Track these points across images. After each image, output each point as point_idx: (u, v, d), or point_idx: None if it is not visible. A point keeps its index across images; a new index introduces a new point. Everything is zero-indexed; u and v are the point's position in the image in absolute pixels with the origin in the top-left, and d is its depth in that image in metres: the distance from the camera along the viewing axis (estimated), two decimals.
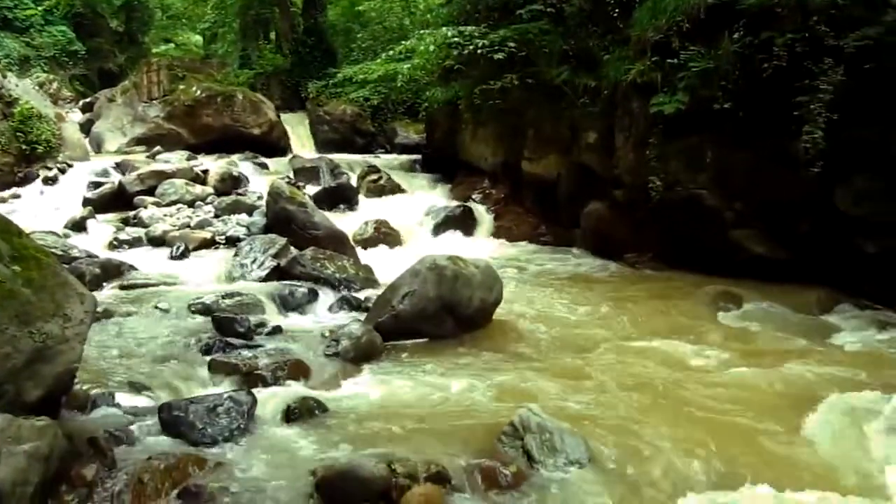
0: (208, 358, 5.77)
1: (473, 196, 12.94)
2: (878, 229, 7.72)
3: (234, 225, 10.83)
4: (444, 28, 12.43)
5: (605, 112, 10.22)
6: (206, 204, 12.24)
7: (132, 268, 8.55)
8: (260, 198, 12.08)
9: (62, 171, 13.85)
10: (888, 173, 7.53)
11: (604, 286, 8.70)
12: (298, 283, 7.84)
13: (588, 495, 4.10)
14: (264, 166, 15.83)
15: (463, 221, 12.04)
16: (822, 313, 7.71)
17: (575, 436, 4.47)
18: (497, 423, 4.64)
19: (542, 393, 5.31)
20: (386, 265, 8.63)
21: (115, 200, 12.31)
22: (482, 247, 10.89)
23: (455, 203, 12.73)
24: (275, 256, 8.54)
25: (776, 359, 6.10)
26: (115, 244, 10.05)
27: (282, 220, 9.71)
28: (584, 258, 10.27)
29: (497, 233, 11.86)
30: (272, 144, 18.33)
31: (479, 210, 12.47)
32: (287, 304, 7.36)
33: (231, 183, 13.43)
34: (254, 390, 5.08)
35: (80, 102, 22.28)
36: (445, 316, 6.59)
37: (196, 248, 9.87)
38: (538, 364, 5.97)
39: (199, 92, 18.52)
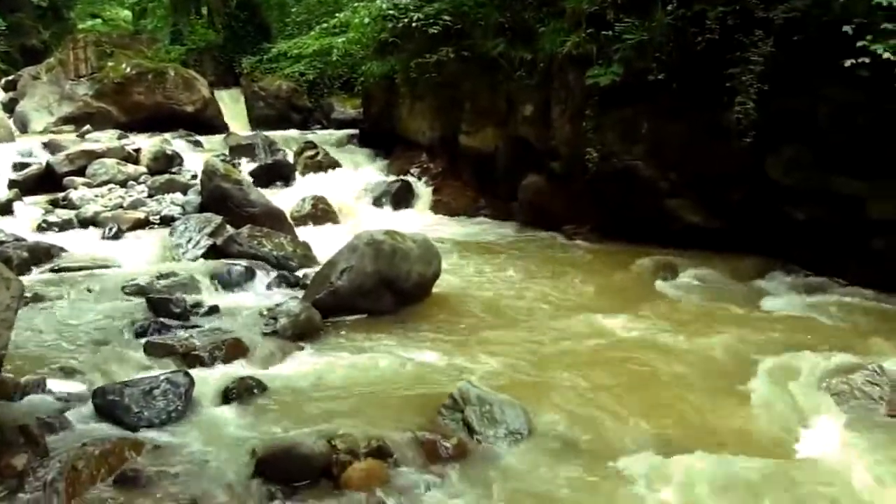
0: (143, 340, 5.65)
1: (411, 170, 12.87)
2: (806, 197, 7.91)
3: (169, 204, 10.60)
4: (378, 1, 12.29)
5: (541, 84, 10.25)
6: (139, 183, 11.95)
7: (63, 250, 8.31)
8: (195, 176, 11.84)
9: None
10: (816, 143, 7.71)
11: (542, 258, 8.76)
12: (235, 262, 7.71)
13: (529, 465, 4.15)
14: (199, 144, 15.52)
15: (401, 196, 11.99)
16: (755, 280, 7.91)
17: (514, 406, 4.52)
18: (437, 397, 4.67)
19: (481, 365, 5.35)
20: (324, 242, 8.55)
21: (43, 182, 11.91)
22: (421, 221, 10.87)
23: (393, 178, 12.66)
24: (211, 235, 8.40)
25: (711, 325, 6.25)
26: (44, 226, 9.73)
27: (217, 198, 9.55)
28: (523, 231, 10.32)
29: (436, 207, 11.85)
30: (206, 122, 17.97)
31: (418, 184, 12.42)
32: (224, 284, 7.25)
33: (164, 162, 13.12)
34: (191, 371, 5.00)
35: (3, 80, 21.48)
36: (384, 291, 6.57)
37: (129, 229, 9.63)
38: (477, 336, 6.01)
39: (129, 69, 18.03)
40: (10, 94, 19.27)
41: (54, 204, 10.88)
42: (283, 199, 10.91)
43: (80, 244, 8.81)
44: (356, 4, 13.21)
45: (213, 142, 15.88)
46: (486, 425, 4.38)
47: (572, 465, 4.18)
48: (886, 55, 6.48)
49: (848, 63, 6.69)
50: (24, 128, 17.19)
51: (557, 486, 3.97)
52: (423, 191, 12.28)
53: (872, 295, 7.42)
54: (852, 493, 3.94)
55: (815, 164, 7.77)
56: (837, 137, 7.53)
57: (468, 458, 4.20)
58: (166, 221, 9.75)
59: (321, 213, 10.85)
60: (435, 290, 7.03)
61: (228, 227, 8.65)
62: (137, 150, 13.35)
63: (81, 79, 18.08)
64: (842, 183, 7.65)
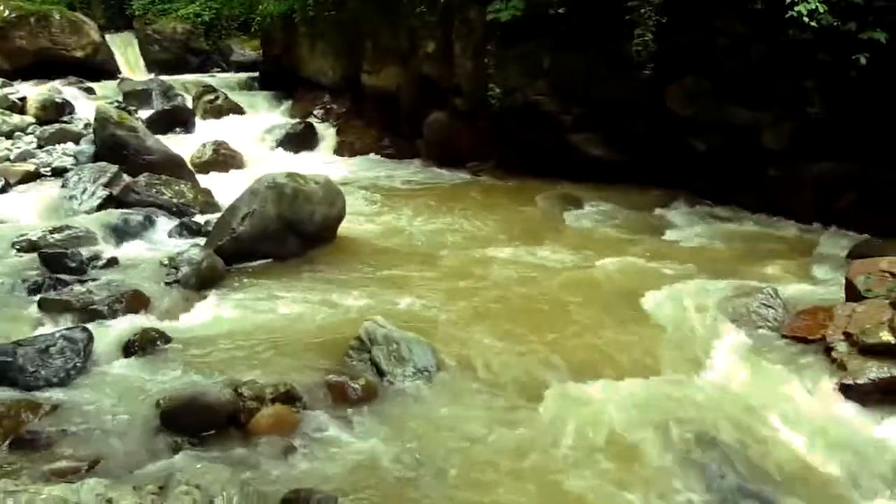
0: (37, 297, 5.42)
1: (314, 112, 12.66)
2: (706, 128, 8.09)
3: (61, 155, 10.11)
4: None
5: (442, 21, 10.13)
6: (27, 134, 11.35)
7: None
8: (87, 125, 11.32)
9: None
10: (713, 75, 7.85)
11: (447, 195, 8.75)
12: (134, 212, 7.45)
13: (438, 401, 4.19)
14: (91, 91, 14.81)
15: (305, 138, 11.78)
16: (657, 211, 8.10)
17: (422, 344, 4.53)
18: (344, 339, 4.64)
19: (388, 304, 5.34)
20: (226, 188, 8.33)
21: None
22: (325, 163, 10.72)
23: (296, 120, 12.43)
24: (106, 185, 8.08)
25: (616, 255, 6.39)
26: None
27: (112, 146, 9.16)
28: (428, 169, 10.29)
29: (340, 148, 11.70)
30: (98, 67, 17.15)
31: (321, 126, 12.23)
32: (122, 235, 7.00)
33: (54, 110, 12.49)
34: (90, 326, 4.83)
35: None
36: (288, 234, 6.46)
37: (18, 183, 9.16)
38: (384, 276, 5.99)
39: (7, 12, 17.01)
40: None
41: None
42: (183, 145, 10.55)
43: None
44: None
45: (106, 88, 15.20)
46: (393, 364, 4.38)
47: (482, 398, 4.23)
48: None
49: None
50: None
51: (467, 421, 4.01)
52: (327, 132, 12.09)
53: (768, 221, 7.73)
54: (751, 409, 4.11)
55: (712, 95, 7.93)
56: (733, 69, 7.68)
57: (377, 397, 4.20)
58: (58, 173, 9.31)
59: (223, 158, 10.56)
60: (340, 231, 6.94)
61: (125, 176, 8.34)
62: (23, 99, 12.66)
63: None
64: (738, 114, 7.84)
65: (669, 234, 7.29)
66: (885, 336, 4.43)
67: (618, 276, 5.90)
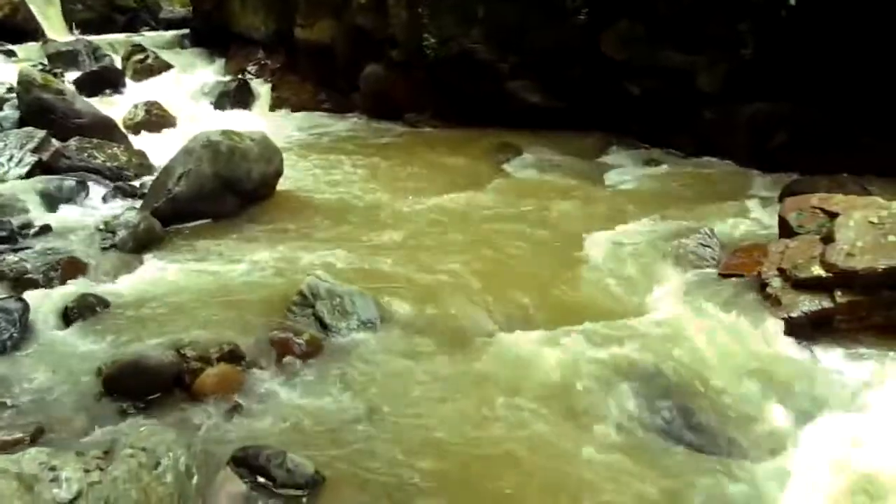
0: None
1: (248, 69, 12.39)
2: (641, 72, 8.14)
3: None
4: None
5: None
6: None
7: None
8: (10, 89, 10.90)
9: None
10: (647, 19, 7.88)
11: (386, 148, 8.70)
12: (65, 177, 7.25)
13: (384, 353, 4.20)
14: (11, 54, 14.26)
15: (239, 96, 11.53)
16: (596, 156, 8.18)
17: (365, 297, 4.53)
18: (287, 295, 4.62)
19: (329, 259, 5.30)
20: (161, 149, 8.13)
21: None
22: (262, 120, 10.51)
23: (230, 77, 12.15)
24: (35, 151, 7.82)
25: (556, 201, 6.44)
26: None
27: (38, 111, 8.85)
28: (365, 122, 10.21)
29: (276, 104, 11.49)
30: (18, 28, 16.48)
31: (256, 83, 11.99)
32: (54, 201, 6.79)
33: None
34: (25, 295, 4.70)
35: None
36: (226, 193, 6.36)
37: None
38: (324, 230, 5.95)
39: None
40: None
41: None
42: (114, 107, 10.27)
43: None
44: None
45: (28, 51, 14.63)
46: (337, 318, 4.38)
47: (427, 349, 4.26)
48: None
49: None
50: None
51: (413, 372, 4.04)
52: (262, 89, 11.86)
53: (704, 163, 7.88)
54: (689, 347, 4.20)
55: (646, 39, 7.98)
56: (666, 12, 7.72)
57: (322, 352, 4.20)
58: None
59: (156, 119, 10.29)
60: (279, 188, 6.86)
61: (54, 141, 8.08)
62: None
63: None
64: (672, 57, 7.91)
65: (607, 179, 7.38)
66: (817, 270, 4.56)
67: (558, 222, 5.96)
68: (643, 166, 7.82)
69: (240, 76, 12.13)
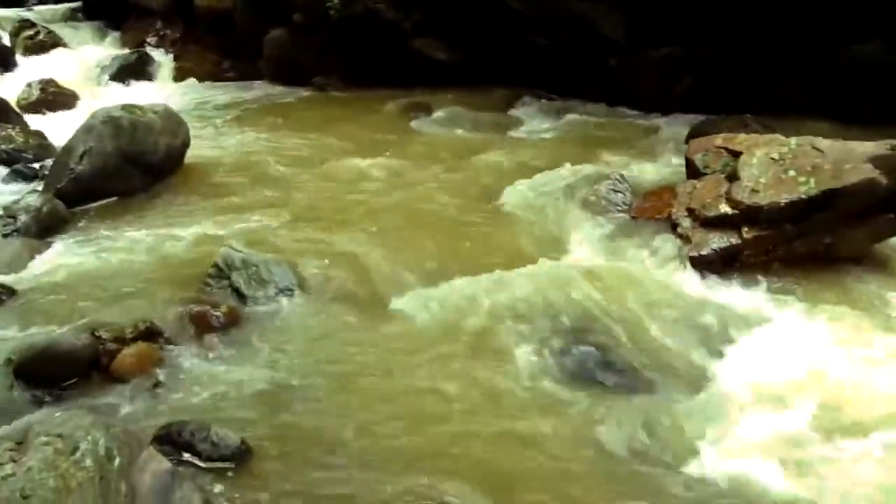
0: None
1: (148, 40, 11.96)
2: (545, 23, 8.16)
3: None
4: None
5: None
6: None
7: None
8: None
9: None
10: None
11: (295, 114, 8.54)
12: None
13: (304, 319, 4.17)
14: None
15: (140, 69, 11.11)
16: (506, 109, 8.22)
17: (281, 264, 4.48)
18: (202, 269, 4.53)
19: (243, 229, 5.21)
20: (60, 128, 7.81)
21: None
22: (165, 92, 10.18)
23: (128, 50, 11.70)
24: None
25: (467, 156, 6.48)
26: None
27: None
28: (272, 88, 9.97)
29: (178, 75, 11.10)
30: None
31: (156, 54, 11.57)
32: None
33: None
34: None
35: None
36: (131, 169, 6.15)
37: None
38: (236, 200, 5.83)
39: None
40: None
41: None
42: (6, 87, 9.83)
43: None
44: None
45: None
46: (254, 287, 4.32)
47: (347, 312, 4.24)
48: None
49: None
50: None
51: (334, 336, 4.03)
52: (163, 60, 11.44)
53: (613, 111, 8.03)
54: (605, 290, 4.28)
55: None
56: None
57: (241, 323, 4.14)
58: None
59: (53, 97, 9.87)
60: (187, 161, 6.66)
61: None
62: None
63: None
64: (573, 6, 7.95)
65: (519, 131, 7.45)
66: (724, 208, 4.71)
67: (471, 177, 6.00)
68: (553, 117, 7.90)
69: (139, 49, 11.70)
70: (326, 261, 4.66)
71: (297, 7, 9.65)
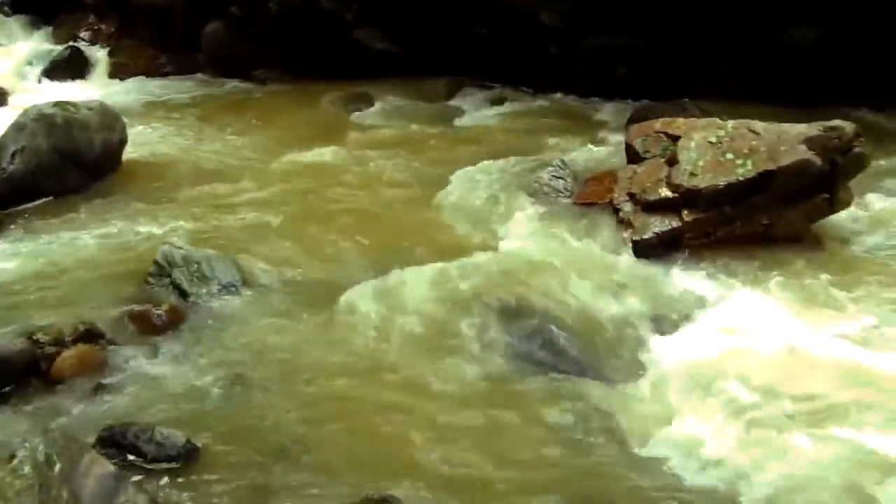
0: None
1: (81, 35, 11.61)
2: (486, 13, 8.17)
3: None
4: None
5: None
6: None
7: None
8: None
9: None
10: None
11: (235, 107, 8.38)
12: None
13: (248, 315, 4.13)
14: None
15: (74, 65, 10.80)
16: (448, 99, 8.21)
17: (224, 260, 4.43)
18: (142, 267, 4.46)
19: (184, 225, 5.13)
20: None
21: None
22: (101, 88, 9.94)
23: (61, 46, 11.39)
24: None
25: (408, 147, 6.47)
26: None
27: None
28: (211, 82, 9.73)
29: (115, 71, 10.80)
30: None
31: (91, 50, 11.28)
32: None
33: None
34: None
35: None
36: (68, 167, 5.99)
37: None
38: (177, 197, 5.71)
39: None
40: None
41: None
42: None
43: None
44: None
45: None
46: (196, 284, 4.26)
47: (291, 307, 4.22)
48: None
49: None
50: None
51: (278, 331, 4.00)
52: (98, 55, 11.15)
53: (554, 99, 8.08)
54: (551, 274, 4.35)
55: None
56: None
57: (185, 320, 4.09)
58: None
59: None
60: (125, 157, 6.51)
61: None
62: None
63: None
64: None
65: (461, 121, 7.46)
66: (664, 192, 4.78)
67: (413, 167, 5.99)
68: (494, 106, 7.91)
69: (72, 43, 11.41)
70: (270, 256, 4.63)
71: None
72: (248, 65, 9.63)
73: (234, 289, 4.29)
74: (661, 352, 3.96)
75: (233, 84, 9.46)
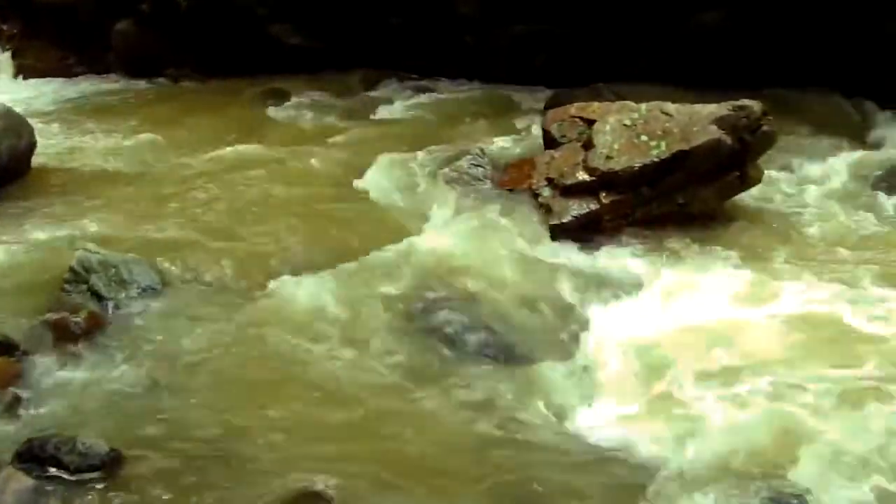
0: None
1: None
2: (403, 3, 8.16)
3: None
4: None
5: None
6: None
7: None
8: None
9: None
10: None
11: (147, 107, 8.19)
12: None
13: (168, 318, 4.05)
14: None
15: None
16: (364, 92, 8.18)
17: (142, 263, 4.33)
18: (57, 275, 4.30)
19: (100, 230, 4.98)
20: None
21: None
22: (6, 91, 9.62)
23: None
24: None
25: (326, 141, 6.47)
26: None
27: None
28: (122, 82, 9.48)
29: (19, 73, 10.50)
30: None
31: None
32: None
33: None
34: None
35: None
36: None
37: None
38: (91, 201, 5.54)
39: None
40: None
41: None
42: None
43: None
44: None
45: None
46: (115, 289, 4.16)
47: (213, 307, 4.16)
48: None
49: None
50: None
51: (200, 333, 3.92)
52: (1, 58, 10.84)
53: (471, 88, 8.13)
54: (473, 263, 4.39)
55: None
56: None
57: (104, 327, 3.97)
58: None
59: None
60: (34, 163, 6.30)
61: None
62: None
63: None
64: None
65: (379, 113, 7.47)
66: (581, 175, 4.88)
67: (331, 162, 5.96)
68: (412, 97, 7.92)
69: None
70: (189, 257, 4.55)
71: None
72: (160, 63, 9.42)
73: (154, 291, 4.21)
74: (587, 333, 4.03)
75: (145, 83, 9.24)
